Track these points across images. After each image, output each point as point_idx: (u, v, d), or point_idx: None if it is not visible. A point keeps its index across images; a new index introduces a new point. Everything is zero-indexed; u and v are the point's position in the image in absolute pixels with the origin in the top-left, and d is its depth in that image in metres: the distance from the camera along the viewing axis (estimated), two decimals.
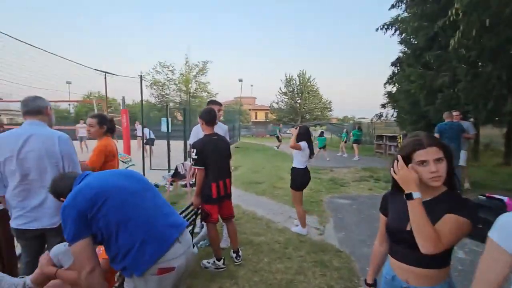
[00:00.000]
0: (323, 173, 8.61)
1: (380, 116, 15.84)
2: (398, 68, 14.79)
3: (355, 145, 12.64)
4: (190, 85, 31.75)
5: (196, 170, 2.83)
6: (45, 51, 5.21)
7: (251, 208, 5.00)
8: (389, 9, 12.79)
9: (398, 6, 12.41)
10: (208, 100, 4.16)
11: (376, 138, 15.96)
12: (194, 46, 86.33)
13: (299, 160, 3.88)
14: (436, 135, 5.56)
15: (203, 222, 3.25)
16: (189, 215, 3.01)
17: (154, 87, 31.38)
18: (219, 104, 3.61)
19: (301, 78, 37.60)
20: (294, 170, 3.95)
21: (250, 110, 53.43)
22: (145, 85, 30.28)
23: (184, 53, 40.06)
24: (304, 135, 3.88)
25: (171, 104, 32.58)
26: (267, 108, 45.62)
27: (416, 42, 10.95)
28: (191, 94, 32.15)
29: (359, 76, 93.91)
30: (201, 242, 3.54)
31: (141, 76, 6.73)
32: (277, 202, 5.42)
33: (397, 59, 14.54)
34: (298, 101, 38.13)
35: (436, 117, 9.03)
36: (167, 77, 31.14)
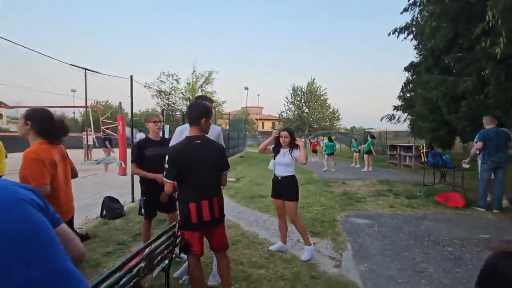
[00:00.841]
0: (335, 186, 7.77)
1: (391, 117, 14.90)
2: (412, 73, 14.01)
3: (366, 156, 11.76)
4: (196, 94, 31.63)
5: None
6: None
7: (252, 229, 4.24)
8: (401, 12, 12.16)
9: (411, 10, 11.77)
10: (197, 95, 3.46)
11: (390, 148, 15.01)
12: (201, 57, 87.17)
13: (293, 167, 3.41)
14: (479, 143, 4.73)
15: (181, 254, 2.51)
16: (166, 244, 2.29)
17: (160, 96, 31.33)
18: (210, 100, 2.90)
19: (310, 87, 37.01)
20: (292, 179, 3.40)
21: (257, 119, 53.05)
22: (151, 95, 30.20)
23: (191, 63, 40.04)
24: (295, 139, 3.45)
25: (178, 113, 32.55)
26: (274, 117, 45.04)
27: (433, 44, 10.18)
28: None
29: (366, 85, 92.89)
30: (184, 277, 2.77)
31: (131, 76, 6.12)
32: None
33: (411, 64, 13.77)
34: (305, 111, 37.48)
35: (460, 126, 8.16)
36: (172, 86, 31.09)
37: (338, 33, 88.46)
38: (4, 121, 37.34)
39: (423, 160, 6.16)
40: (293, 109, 38.07)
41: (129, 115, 7.21)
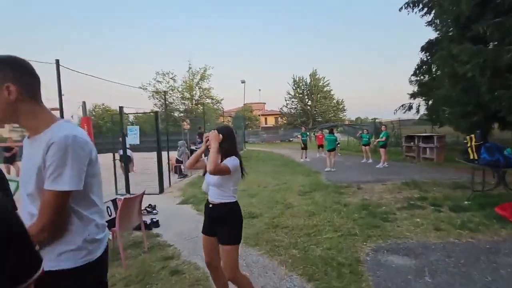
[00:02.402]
0: (349, 193, 6.14)
1: (409, 107, 13.11)
2: (429, 53, 12.20)
3: (382, 150, 10.06)
4: (194, 92, 30.24)
5: None
6: None
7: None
8: None
9: None
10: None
11: (405, 139, 13.24)
12: (197, 53, 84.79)
13: (231, 189, 2.09)
14: None
15: None
16: None
17: (157, 96, 29.98)
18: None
19: (313, 79, 35.12)
20: (231, 209, 2.11)
21: (259, 115, 51.40)
22: (147, 96, 28.83)
23: (187, 59, 38.42)
24: (229, 142, 2.09)
25: (176, 113, 31.22)
26: (277, 113, 43.33)
27: (457, 12, 8.36)
28: (195, 101, 30.55)
29: (369, 73, 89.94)
30: None
31: (57, 61, 4.54)
32: (279, 263, 3.05)
33: (429, 42, 11.96)
34: (308, 103, 35.68)
35: (504, 108, 6.42)
36: (169, 85, 29.68)
37: (340, 20, 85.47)
38: None
39: (472, 156, 4.49)
40: (295, 102, 36.30)
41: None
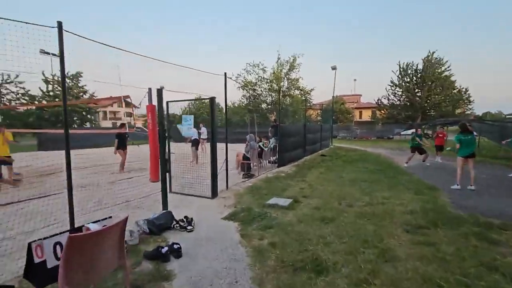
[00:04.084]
0: (509, 241, 3.35)
1: None
2: None
3: None
4: (282, 83, 29.07)
5: None
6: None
7: None
8: None
9: None
10: None
11: None
12: (287, 42, 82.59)
13: None
14: None
15: None
16: None
17: (246, 88, 30.29)
18: None
19: (427, 64, 28.38)
20: None
21: (353, 108, 46.23)
22: (237, 87, 29.43)
23: (276, 50, 37.37)
24: None
25: (264, 105, 30.92)
26: (374, 105, 37.67)
27: None
28: (283, 93, 29.35)
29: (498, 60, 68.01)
30: None
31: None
32: None
33: None
34: (417, 94, 29.11)
35: None
36: (259, 76, 29.41)
37: None
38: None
39: None
40: (399, 93, 30.24)
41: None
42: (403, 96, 29.97)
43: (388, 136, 30.10)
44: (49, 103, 22.65)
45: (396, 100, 30.84)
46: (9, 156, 6.64)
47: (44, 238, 2.23)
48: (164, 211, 4.04)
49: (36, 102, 22.56)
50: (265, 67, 28.51)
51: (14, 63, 2.80)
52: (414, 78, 29.16)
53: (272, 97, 30.40)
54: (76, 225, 3.24)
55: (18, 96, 22.29)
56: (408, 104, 29.44)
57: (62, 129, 3.11)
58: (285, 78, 29.13)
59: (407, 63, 29.65)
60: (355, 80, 54.30)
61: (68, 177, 3.12)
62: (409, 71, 29.40)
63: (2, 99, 21.02)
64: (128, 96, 6.42)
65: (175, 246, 3.18)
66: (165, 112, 5.51)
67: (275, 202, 5.00)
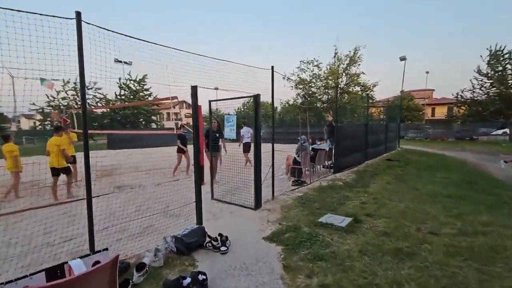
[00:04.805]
0: None
1: None
2: None
3: None
4: (340, 79, 27.06)
5: None
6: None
7: None
8: None
9: None
10: None
11: None
12: (345, 33, 77.18)
13: None
14: None
15: None
16: None
17: (300, 86, 29.12)
18: None
19: None
20: None
21: (424, 105, 40.68)
22: (290, 86, 28.54)
23: (333, 44, 34.99)
24: None
25: (319, 104, 29.35)
26: (451, 101, 32.35)
27: None
28: (341, 90, 27.37)
29: None
30: None
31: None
32: None
33: None
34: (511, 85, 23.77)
35: None
36: (313, 73, 27.91)
37: None
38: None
39: None
40: (487, 84, 25.16)
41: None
42: (494, 88, 24.85)
43: (472, 136, 25.43)
44: (114, 106, 25.17)
45: (483, 94, 25.77)
46: (74, 156, 6.98)
47: (7, 283, 1.79)
48: (196, 226, 3.50)
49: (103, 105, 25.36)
50: (320, 63, 26.81)
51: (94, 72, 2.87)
52: (509, 66, 23.89)
53: (328, 95, 28.60)
54: (105, 244, 2.89)
55: (96, 100, 25.34)
56: (497, 97, 24.27)
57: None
58: (344, 73, 27.03)
59: (500, 46, 24.45)
60: (427, 72, 47.60)
61: (87, 192, 2.76)
62: (500, 59, 24.20)
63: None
64: (176, 97, 6.20)
65: (200, 278, 2.57)
66: (199, 113, 5.03)
67: (330, 221, 4.05)
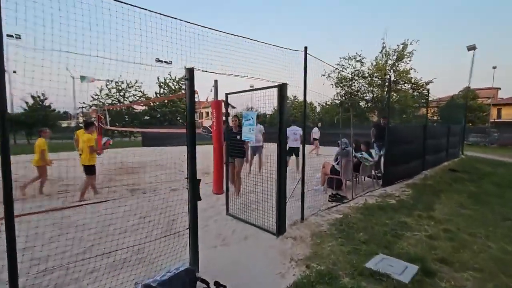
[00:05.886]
0: None
1: None
2: None
3: None
4: (387, 77, 24.46)
5: None
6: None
7: None
8: None
9: None
10: None
11: None
12: (394, 25, 70.20)
13: None
14: None
15: None
16: None
17: (341, 84, 26.98)
18: None
19: None
20: None
21: (488, 105, 35.25)
22: (330, 84, 26.65)
23: (380, 38, 31.86)
24: None
25: (362, 103, 26.98)
26: None
27: None
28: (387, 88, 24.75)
29: None
30: None
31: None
32: None
33: None
34: None
35: None
36: (355, 70, 25.63)
37: None
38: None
39: None
40: None
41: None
42: None
43: None
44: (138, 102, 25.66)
45: None
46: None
47: None
48: (183, 269, 2.44)
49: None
50: (364, 58, 24.38)
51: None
52: None
53: (373, 93, 26.06)
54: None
55: (137, 98, 26.21)
56: None
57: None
58: (391, 70, 24.36)
59: None
60: (494, 67, 41.22)
61: (6, 211, 1.86)
62: None
63: (126, 101, 25.12)
64: (195, 92, 5.32)
65: None
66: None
67: (384, 269, 2.72)
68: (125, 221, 3.83)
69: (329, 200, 5.21)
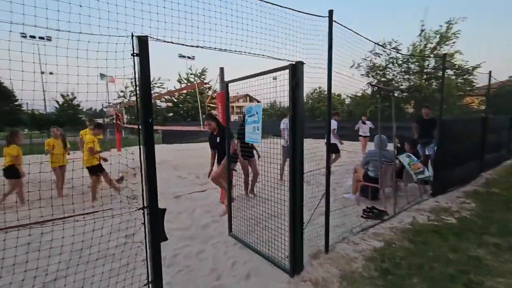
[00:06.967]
0: None
1: None
2: None
3: None
4: (426, 63, 22.03)
5: None
6: None
7: None
8: None
9: None
10: None
11: None
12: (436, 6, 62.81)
13: None
14: None
15: None
16: None
17: (372, 73, 24.82)
18: None
19: None
20: None
21: None
22: (361, 74, 24.68)
23: (419, 20, 28.74)
24: None
25: (396, 93, 24.64)
26: None
27: None
28: (427, 75, 22.53)
29: None
30: None
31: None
32: None
33: None
34: None
35: None
36: (390, 57, 23.35)
37: None
38: None
39: None
40: None
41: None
42: None
43: None
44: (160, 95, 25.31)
45: None
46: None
47: None
48: None
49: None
50: (400, 44, 21.98)
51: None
52: None
53: (410, 82, 23.65)
54: None
55: (158, 95, 26.25)
56: None
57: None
58: (432, 53, 21.81)
59: None
60: None
61: None
62: None
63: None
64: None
65: None
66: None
67: None
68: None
69: (362, 216, 4.04)
